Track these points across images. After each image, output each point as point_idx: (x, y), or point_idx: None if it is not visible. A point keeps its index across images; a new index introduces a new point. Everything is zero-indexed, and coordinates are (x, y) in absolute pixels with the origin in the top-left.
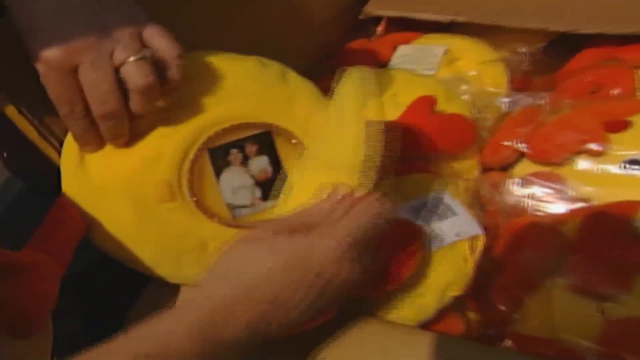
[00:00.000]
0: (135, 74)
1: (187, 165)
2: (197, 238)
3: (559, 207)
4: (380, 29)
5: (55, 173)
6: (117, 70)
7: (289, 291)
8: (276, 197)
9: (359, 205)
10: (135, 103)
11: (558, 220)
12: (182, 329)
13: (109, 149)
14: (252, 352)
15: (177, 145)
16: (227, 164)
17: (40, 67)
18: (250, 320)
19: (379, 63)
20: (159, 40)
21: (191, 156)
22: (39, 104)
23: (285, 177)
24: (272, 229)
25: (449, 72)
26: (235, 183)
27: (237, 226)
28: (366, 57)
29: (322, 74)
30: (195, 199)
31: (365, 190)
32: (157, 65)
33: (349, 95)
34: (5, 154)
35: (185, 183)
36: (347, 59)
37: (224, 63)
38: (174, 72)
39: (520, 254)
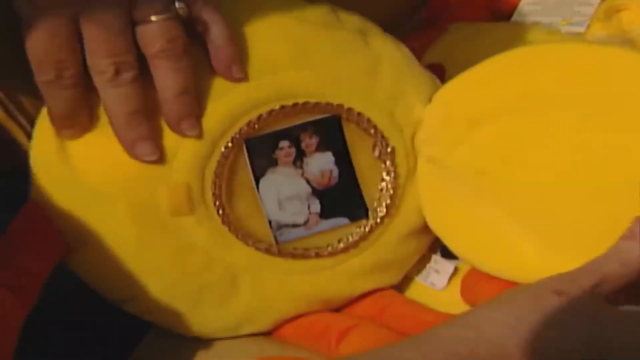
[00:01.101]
0: (157, 36)
1: (213, 164)
2: (224, 267)
3: None
4: None
5: (23, 165)
6: (134, 27)
7: None
8: (358, 215)
9: None
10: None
11: None
12: None
13: (103, 138)
14: None
15: (199, 134)
16: (273, 163)
17: (23, 5)
18: None
19: (499, 14)
20: (206, 14)
21: (221, 149)
22: (4, 66)
23: (392, 185)
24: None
25: (607, 29)
26: (284, 191)
27: (283, 255)
28: (475, 7)
29: (408, 31)
30: (223, 211)
31: None
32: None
33: None
34: None
35: (209, 189)
36: (446, 10)
37: (277, 12)
38: (220, 61)
39: None
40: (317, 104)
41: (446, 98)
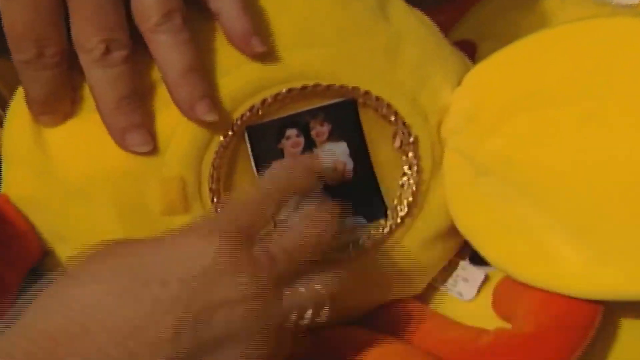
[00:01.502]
0: (153, 8)
1: (210, 155)
2: None
3: None
4: None
5: None
6: None
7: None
8: (375, 214)
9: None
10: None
11: None
12: None
13: (86, 126)
14: None
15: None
16: (278, 154)
17: None
18: None
19: None
20: None
21: (219, 139)
22: None
23: (415, 180)
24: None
25: None
26: None
27: None
28: None
29: (433, 3)
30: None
31: None
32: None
33: None
34: None
35: (206, 183)
36: None
37: None
38: (237, 34)
39: None
40: (329, 86)
41: (478, 81)
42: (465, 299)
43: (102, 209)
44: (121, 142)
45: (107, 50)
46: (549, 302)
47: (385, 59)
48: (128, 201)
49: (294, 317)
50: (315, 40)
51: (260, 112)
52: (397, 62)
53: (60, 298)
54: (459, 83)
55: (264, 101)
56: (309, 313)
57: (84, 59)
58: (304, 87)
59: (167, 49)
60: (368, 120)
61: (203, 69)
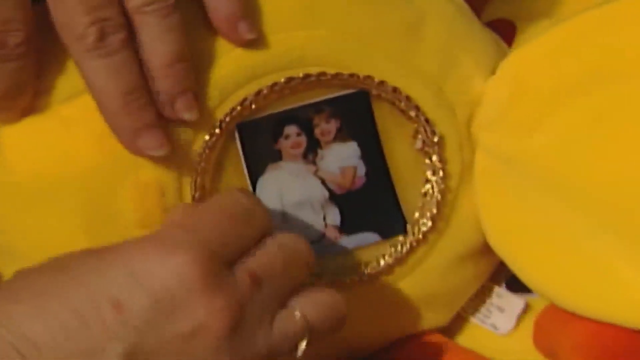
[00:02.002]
0: None
1: (194, 156)
2: None
3: None
4: None
5: None
6: None
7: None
8: (392, 229)
9: None
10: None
11: None
12: None
13: (46, 123)
14: None
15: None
16: (275, 156)
17: None
18: None
19: None
20: None
21: (204, 137)
22: None
23: (440, 188)
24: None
25: None
26: (290, 195)
27: None
28: None
29: None
30: None
31: None
32: None
33: None
34: None
35: (189, 190)
36: None
37: None
38: (222, 17)
39: None
40: (336, 75)
41: (517, 68)
42: (501, 332)
43: (65, 220)
44: (132, 146)
45: (101, 35)
46: (603, 334)
47: (405, 41)
48: (96, 211)
49: (285, 349)
50: (320, 20)
51: (253, 106)
52: (418, 46)
53: None
54: (493, 70)
55: (258, 92)
56: (303, 344)
57: (74, 49)
58: (306, 76)
59: (153, 33)
60: (383, 116)
61: (189, 60)
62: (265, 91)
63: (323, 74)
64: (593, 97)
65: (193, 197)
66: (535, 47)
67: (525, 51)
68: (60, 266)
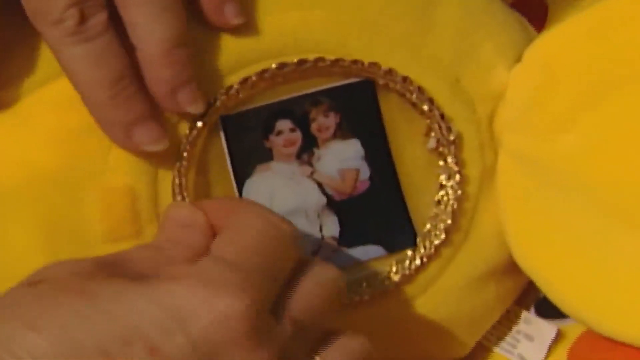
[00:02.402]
0: None
1: (171, 154)
2: None
3: None
4: None
5: None
6: None
7: None
8: (400, 242)
9: None
10: None
11: None
12: None
13: None
14: None
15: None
16: (265, 155)
17: None
18: None
19: None
20: None
21: (185, 132)
22: None
23: (457, 195)
24: (73, 268)
25: None
26: (282, 201)
27: None
28: None
29: None
30: None
31: None
32: None
33: None
34: None
35: (165, 196)
36: None
37: None
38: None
39: None
40: (337, 61)
41: (547, 55)
42: None
43: (23, 231)
44: (125, 142)
45: (82, 18)
46: None
47: (414, 24)
48: (58, 221)
49: None
50: None
51: (240, 95)
52: (430, 29)
53: None
54: (518, 58)
55: (245, 80)
56: None
57: (50, 35)
58: (302, 62)
59: (148, 13)
60: (391, 110)
61: (190, 45)
62: (253, 78)
63: (321, 59)
64: (634, 93)
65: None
66: (569, 29)
67: (557, 34)
68: (83, 289)
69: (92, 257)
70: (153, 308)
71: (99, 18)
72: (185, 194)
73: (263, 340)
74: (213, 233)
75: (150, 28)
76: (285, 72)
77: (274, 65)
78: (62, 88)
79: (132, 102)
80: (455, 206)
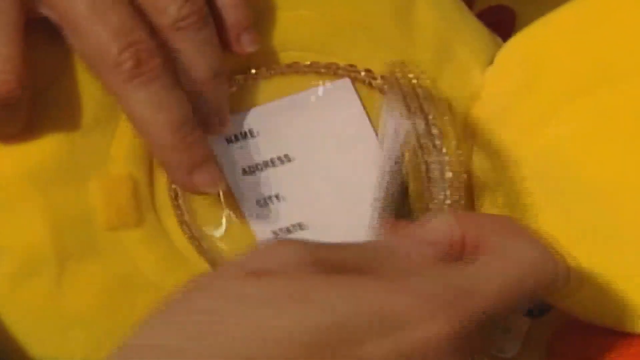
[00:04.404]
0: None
1: None
2: None
3: None
4: None
5: None
6: None
7: None
8: None
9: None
10: None
11: None
12: None
13: None
14: None
15: None
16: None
17: None
18: None
19: None
20: None
21: None
22: None
23: None
24: (292, 258)
25: None
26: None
27: None
28: None
29: None
30: (183, 221)
31: None
32: None
33: None
34: None
35: (163, 186)
36: None
37: None
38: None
39: None
40: (313, 64)
41: (519, 56)
42: (508, 356)
43: (29, 220)
44: (187, 183)
45: (138, 60)
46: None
47: (394, 27)
48: (63, 209)
49: None
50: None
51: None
52: (410, 32)
53: None
54: (490, 62)
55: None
56: None
57: (111, 81)
58: (277, 68)
59: (193, 48)
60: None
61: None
62: (242, 80)
63: (298, 63)
64: (607, 88)
65: (176, 196)
66: (539, 32)
67: (527, 38)
68: (307, 292)
69: (311, 244)
70: (370, 307)
71: (155, 61)
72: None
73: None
74: (461, 247)
75: (196, 60)
76: (268, 74)
77: (252, 72)
78: (67, 86)
79: (197, 146)
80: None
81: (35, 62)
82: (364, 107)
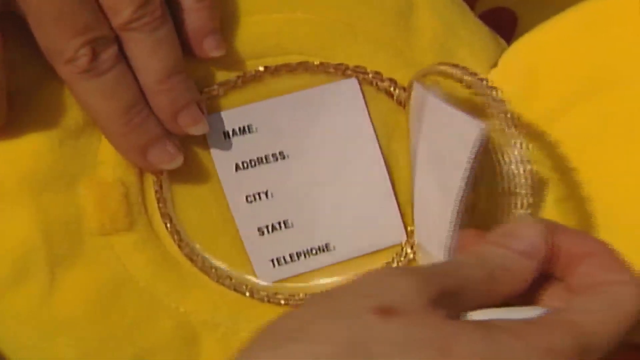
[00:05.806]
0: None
1: None
2: (177, 320)
3: None
4: None
5: None
6: None
7: None
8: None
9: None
10: None
11: None
12: None
13: None
14: None
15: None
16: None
17: None
18: None
19: None
20: None
21: None
22: None
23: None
24: (410, 295)
25: None
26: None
27: (273, 301)
28: None
29: None
30: (171, 226)
31: None
32: None
33: None
34: None
35: (151, 187)
36: None
37: None
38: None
39: None
40: (323, 64)
41: (522, 60)
42: None
43: (19, 223)
44: (143, 163)
45: (94, 55)
46: None
47: (396, 28)
48: (54, 214)
49: None
50: (299, 1)
51: (220, 92)
52: (410, 35)
53: None
54: (492, 65)
55: (223, 84)
56: None
57: (64, 72)
58: (285, 66)
59: (144, 49)
60: (380, 109)
61: (185, 71)
62: (236, 81)
63: (297, 64)
64: (610, 94)
65: (164, 201)
66: (542, 37)
67: (529, 42)
68: (442, 344)
69: (422, 276)
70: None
71: (110, 53)
72: (163, 185)
73: None
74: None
75: (148, 62)
76: (267, 74)
77: (253, 70)
78: (56, 90)
79: (143, 126)
80: None
81: (23, 65)
82: (368, 109)
